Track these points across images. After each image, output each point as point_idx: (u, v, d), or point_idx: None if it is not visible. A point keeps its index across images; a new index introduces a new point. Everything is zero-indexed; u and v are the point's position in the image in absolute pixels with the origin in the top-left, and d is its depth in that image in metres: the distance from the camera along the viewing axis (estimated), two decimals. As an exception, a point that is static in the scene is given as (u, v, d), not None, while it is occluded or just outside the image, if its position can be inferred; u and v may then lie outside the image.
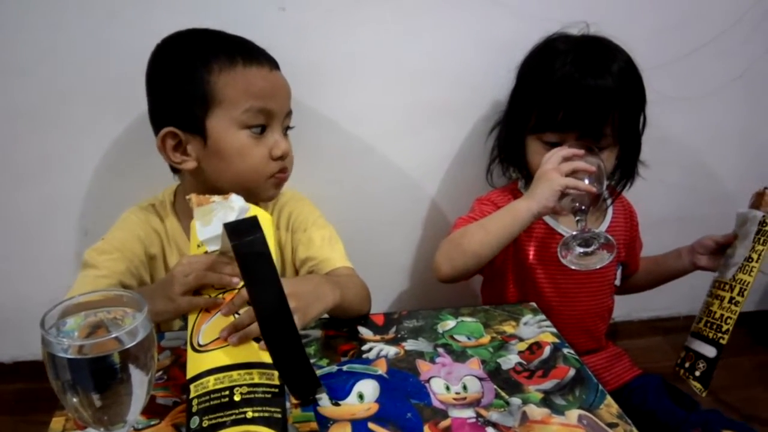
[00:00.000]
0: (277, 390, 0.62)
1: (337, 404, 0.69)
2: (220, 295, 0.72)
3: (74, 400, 0.49)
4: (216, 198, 0.76)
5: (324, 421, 0.67)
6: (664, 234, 1.24)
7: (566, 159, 0.91)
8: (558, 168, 0.90)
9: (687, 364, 1.06)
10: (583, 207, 0.90)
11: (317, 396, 0.70)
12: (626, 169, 1.07)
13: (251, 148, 0.90)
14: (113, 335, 0.49)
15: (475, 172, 1.23)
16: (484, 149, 1.20)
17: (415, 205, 1.29)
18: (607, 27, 1.04)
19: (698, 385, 1.04)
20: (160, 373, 0.74)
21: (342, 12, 1.11)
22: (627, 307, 1.49)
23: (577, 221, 0.91)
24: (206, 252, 0.75)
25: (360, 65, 1.15)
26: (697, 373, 1.04)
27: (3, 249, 1.19)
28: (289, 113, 0.96)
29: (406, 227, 1.31)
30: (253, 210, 0.77)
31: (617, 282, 1.14)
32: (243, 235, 0.61)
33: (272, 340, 0.60)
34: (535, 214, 0.91)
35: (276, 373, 0.63)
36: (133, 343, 0.49)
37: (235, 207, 0.74)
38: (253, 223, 0.63)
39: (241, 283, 0.71)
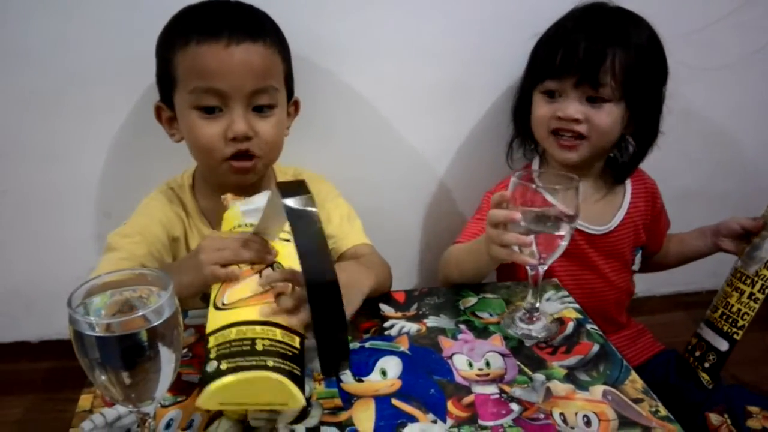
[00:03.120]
0: (297, 352, 0.61)
1: (360, 380, 0.70)
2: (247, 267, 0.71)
3: (103, 377, 0.50)
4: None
5: (347, 397, 0.67)
6: (686, 208, 1.22)
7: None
8: (494, 235, 0.78)
9: (697, 353, 1.04)
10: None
11: (340, 372, 0.70)
12: (641, 135, 1.03)
13: (201, 128, 0.88)
14: (140, 313, 0.49)
15: (493, 153, 1.21)
16: (503, 129, 1.17)
17: (430, 185, 1.28)
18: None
19: (706, 377, 1.01)
20: (185, 350, 0.75)
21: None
22: (648, 283, 1.47)
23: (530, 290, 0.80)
24: (239, 227, 0.75)
25: (375, 42, 1.13)
26: (707, 365, 1.02)
27: (26, 231, 1.20)
28: (259, 91, 0.88)
29: (420, 206, 1.30)
30: None
31: (636, 267, 1.13)
32: (293, 193, 0.59)
33: (317, 298, 0.56)
34: (496, 263, 0.87)
35: (298, 338, 0.62)
36: (160, 321, 0.49)
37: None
38: (302, 183, 0.62)
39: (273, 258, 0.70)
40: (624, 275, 1.10)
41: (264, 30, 0.91)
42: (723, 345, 1.00)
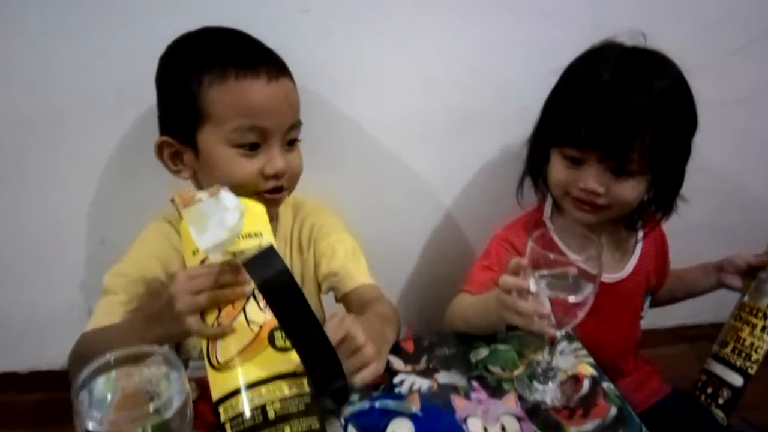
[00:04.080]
0: (309, 399, 0.60)
1: (372, 448, 0.67)
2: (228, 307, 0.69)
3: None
4: (201, 195, 0.70)
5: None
6: (692, 241, 1.20)
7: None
8: (509, 302, 0.74)
9: (709, 390, 1.01)
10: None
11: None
12: (661, 202, 0.97)
13: (241, 165, 0.85)
14: (149, 410, 0.46)
15: (501, 183, 1.16)
16: (512, 160, 1.13)
17: (435, 216, 1.26)
18: (641, 28, 0.96)
19: (721, 414, 0.98)
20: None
21: (367, 14, 1.06)
22: (651, 315, 1.44)
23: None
24: (204, 261, 0.71)
25: (384, 70, 1.10)
26: (721, 401, 0.99)
27: (17, 259, 1.16)
28: (294, 126, 0.88)
29: (424, 237, 1.27)
30: (247, 203, 0.72)
31: (644, 313, 1.10)
32: (265, 270, 0.58)
33: (316, 369, 0.58)
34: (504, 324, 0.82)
35: (305, 380, 0.61)
36: (170, 414, 0.46)
37: (230, 206, 0.68)
38: (271, 254, 0.60)
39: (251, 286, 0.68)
40: (633, 322, 1.08)
41: (284, 63, 0.90)
42: (737, 380, 0.98)
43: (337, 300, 0.97)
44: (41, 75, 1.02)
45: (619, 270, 1.03)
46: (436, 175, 1.21)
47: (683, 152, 0.93)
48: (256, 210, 0.74)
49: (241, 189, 0.84)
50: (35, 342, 1.22)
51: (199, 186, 0.89)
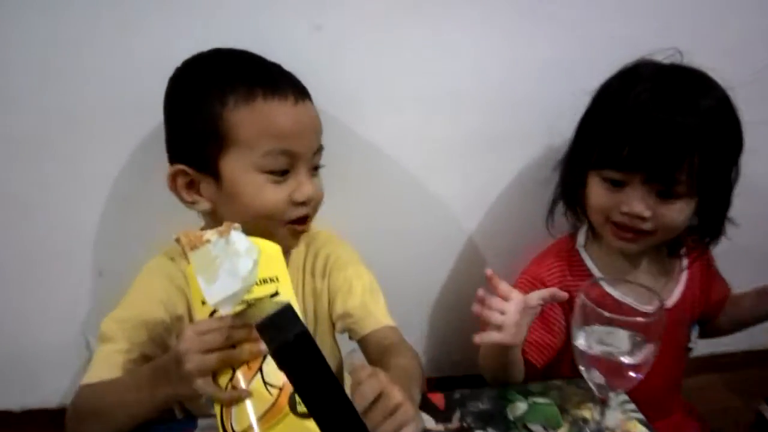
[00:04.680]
0: None
1: None
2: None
3: None
4: (210, 234, 0.63)
5: None
6: (736, 267, 1.11)
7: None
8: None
9: None
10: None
11: None
12: (708, 226, 0.91)
13: (270, 193, 0.79)
14: None
15: (526, 210, 1.11)
16: (541, 185, 1.06)
17: (457, 243, 1.18)
18: (678, 45, 0.91)
19: None
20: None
21: (383, 31, 0.98)
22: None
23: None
24: (214, 313, 0.63)
25: (400, 89, 1.03)
26: None
27: (10, 290, 1.08)
28: (318, 150, 0.84)
29: (446, 266, 1.20)
30: (256, 242, 0.65)
31: (692, 344, 1.02)
32: (282, 333, 0.50)
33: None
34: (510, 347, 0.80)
35: None
36: None
37: (242, 249, 0.62)
38: (288, 314, 0.52)
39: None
40: (678, 356, 1.01)
41: (304, 85, 0.84)
42: None
43: (351, 338, 0.91)
44: (35, 94, 0.94)
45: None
46: (458, 200, 1.14)
47: (731, 173, 0.87)
48: (271, 251, 0.67)
49: (268, 219, 0.80)
50: (29, 379, 1.14)
51: (216, 219, 0.82)
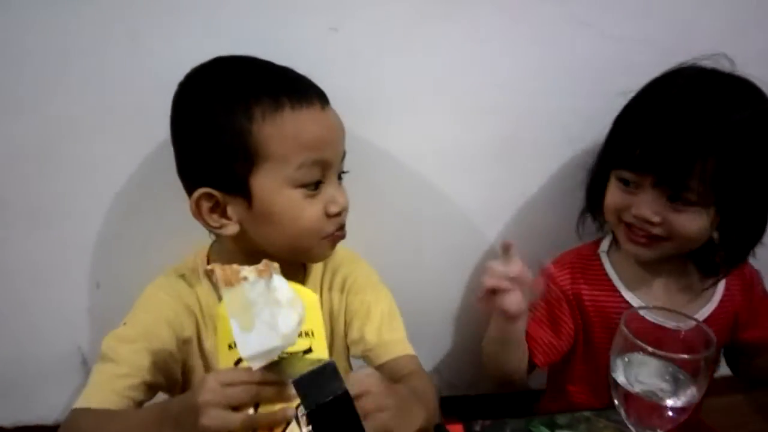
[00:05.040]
0: None
1: None
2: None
3: None
4: (247, 272, 0.57)
5: None
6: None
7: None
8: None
9: None
10: None
11: None
12: (729, 245, 0.85)
13: (306, 208, 0.74)
14: None
15: (554, 220, 1.06)
16: (567, 194, 1.01)
17: (478, 255, 1.12)
18: (713, 48, 0.85)
19: None
20: None
21: (401, 34, 0.92)
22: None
23: None
24: (241, 361, 0.57)
25: (418, 95, 0.97)
26: None
27: (3, 303, 1.02)
28: (344, 155, 0.80)
29: (461, 280, 1.13)
30: (299, 292, 0.59)
31: (718, 366, 0.97)
32: (321, 393, 0.46)
33: None
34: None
35: None
36: None
37: (282, 300, 0.56)
38: (330, 372, 0.48)
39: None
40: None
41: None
42: None
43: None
44: (36, 103, 0.89)
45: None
46: (478, 211, 1.08)
47: (762, 192, 0.81)
48: (310, 301, 0.61)
49: (306, 237, 0.75)
50: (22, 395, 1.08)
51: (243, 242, 0.76)
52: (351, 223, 0.98)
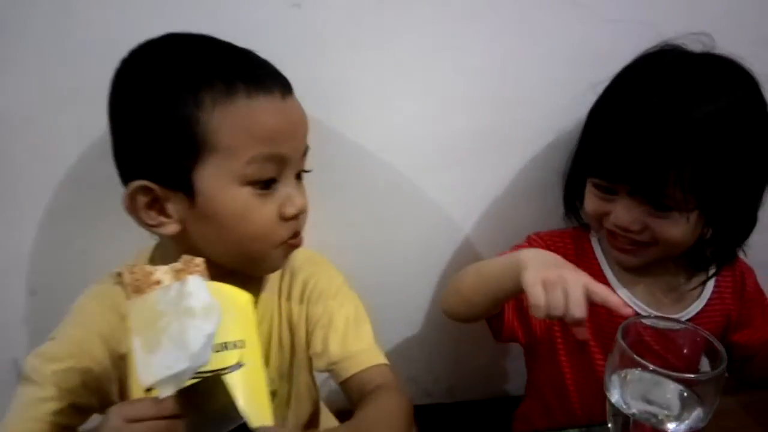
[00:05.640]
0: None
1: None
2: None
3: None
4: (162, 273, 0.50)
5: None
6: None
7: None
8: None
9: None
10: None
11: None
12: (719, 244, 0.82)
13: (256, 209, 0.66)
14: None
15: (533, 214, 0.99)
16: (547, 187, 0.95)
17: (453, 252, 1.04)
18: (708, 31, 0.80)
19: None
20: None
21: (371, 13, 0.84)
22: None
23: None
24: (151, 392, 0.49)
25: (391, 81, 0.89)
26: None
27: None
28: (305, 151, 0.72)
29: (440, 282, 1.06)
30: (221, 292, 0.52)
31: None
32: None
33: None
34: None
35: None
36: None
37: (196, 309, 0.48)
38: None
39: None
40: None
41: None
42: None
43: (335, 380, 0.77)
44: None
45: (678, 311, 0.85)
46: (454, 207, 1.00)
47: (747, 186, 0.76)
48: (239, 303, 0.54)
49: (254, 242, 0.67)
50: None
51: (185, 244, 0.67)
52: (316, 223, 0.91)
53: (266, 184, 0.66)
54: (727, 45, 0.78)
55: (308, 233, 0.84)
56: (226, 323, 0.49)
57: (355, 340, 0.75)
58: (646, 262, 0.81)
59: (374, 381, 0.72)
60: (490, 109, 0.94)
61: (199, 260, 0.52)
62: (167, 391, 0.47)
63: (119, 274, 0.52)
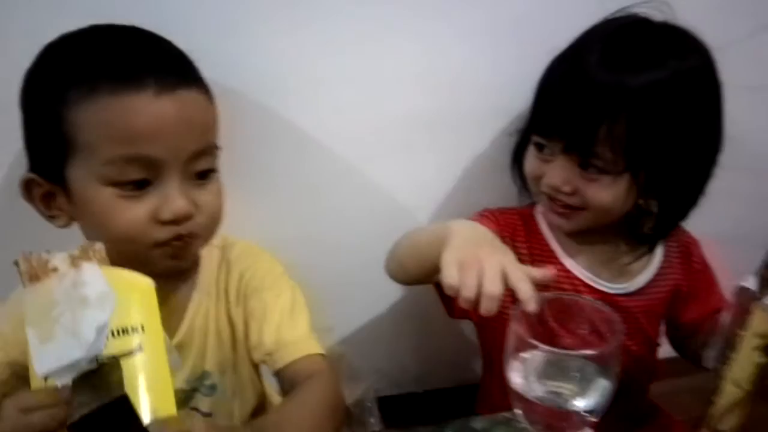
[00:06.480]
0: None
1: None
2: None
3: None
4: (59, 260, 0.50)
5: None
6: (733, 258, 0.96)
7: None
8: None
9: None
10: None
11: None
12: (661, 215, 0.81)
13: (121, 210, 0.64)
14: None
15: (489, 197, 0.96)
16: (503, 168, 0.93)
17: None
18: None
19: None
20: None
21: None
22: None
23: None
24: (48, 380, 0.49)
25: (328, 65, 0.87)
26: None
27: None
28: (202, 152, 0.67)
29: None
30: (122, 278, 0.52)
31: (659, 340, 0.91)
32: None
33: None
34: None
35: None
36: None
37: (91, 297, 0.48)
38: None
39: None
40: (645, 351, 0.88)
41: (192, 67, 0.70)
42: None
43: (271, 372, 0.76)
44: None
45: (627, 281, 0.84)
46: (404, 194, 0.99)
47: (688, 157, 0.75)
48: (140, 288, 0.53)
49: (129, 244, 0.64)
50: None
51: (90, 238, 0.66)
52: (259, 216, 0.90)
53: (138, 185, 0.64)
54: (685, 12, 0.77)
55: (249, 228, 0.85)
56: (127, 308, 0.49)
57: (290, 330, 0.74)
58: (581, 227, 0.81)
59: (307, 370, 0.71)
60: (438, 92, 0.92)
61: (99, 246, 0.52)
62: (64, 380, 0.47)
63: (16, 263, 0.49)
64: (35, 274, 0.49)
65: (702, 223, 0.88)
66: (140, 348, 0.49)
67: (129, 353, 0.49)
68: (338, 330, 1.03)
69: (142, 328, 0.51)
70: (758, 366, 0.59)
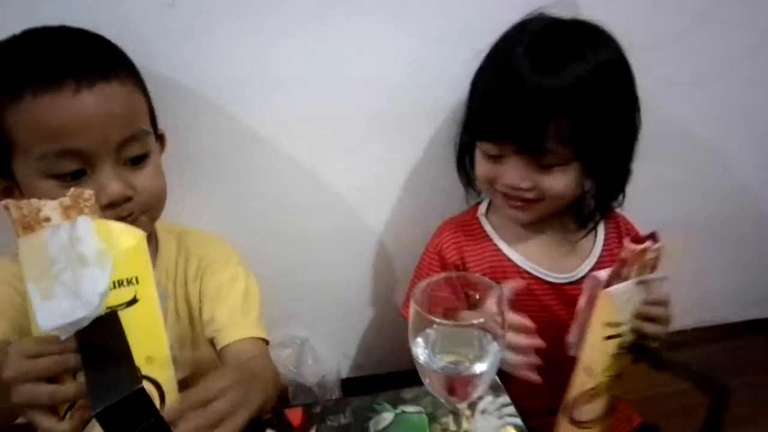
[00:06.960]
0: None
1: None
2: None
3: None
4: (50, 209, 0.50)
5: None
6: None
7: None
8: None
9: None
10: None
11: None
12: (600, 196, 0.87)
13: None
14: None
15: (438, 195, 1.03)
16: (448, 167, 0.97)
17: (364, 239, 1.09)
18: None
19: None
20: None
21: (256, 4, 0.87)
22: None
23: None
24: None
25: (277, 69, 0.92)
26: None
27: None
28: (131, 139, 0.71)
29: (352, 264, 1.11)
30: (113, 231, 0.53)
31: None
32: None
33: None
34: None
35: None
36: None
37: (89, 256, 0.50)
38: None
39: None
40: None
41: (115, 61, 0.73)
42: None
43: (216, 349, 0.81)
44: None
45: (571, 269, 0.89)
46: (356, 191, 1.04)
47: (619, 139, 0.82)
48: (131, 241, 0.54)
49: None
50: None
51: None
52: (219, 210, 0.95)
53: (74, 176, 0.68)
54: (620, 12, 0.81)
55: (208, 221, 0.91)
56: (119, 261, 0.51)
57: (241, 314, 0.80)
58: (540, 216, 0.86)
59: (248, 352, 0.76)
60: (387, 92, 0.97)
61: (89, 193, 0.53)
62: (66, 334, 0.50)
63: (6, 208, 0.50)
64: (28, 223, 0.50)
65: (636, 210, 0.93)
66: (135, 299, 0.53)
67: (126, 304, 0.52)
68: (303, 317, 1.08)
69: (137, 279, 0.53)
70: (612, 357, 0.64)
